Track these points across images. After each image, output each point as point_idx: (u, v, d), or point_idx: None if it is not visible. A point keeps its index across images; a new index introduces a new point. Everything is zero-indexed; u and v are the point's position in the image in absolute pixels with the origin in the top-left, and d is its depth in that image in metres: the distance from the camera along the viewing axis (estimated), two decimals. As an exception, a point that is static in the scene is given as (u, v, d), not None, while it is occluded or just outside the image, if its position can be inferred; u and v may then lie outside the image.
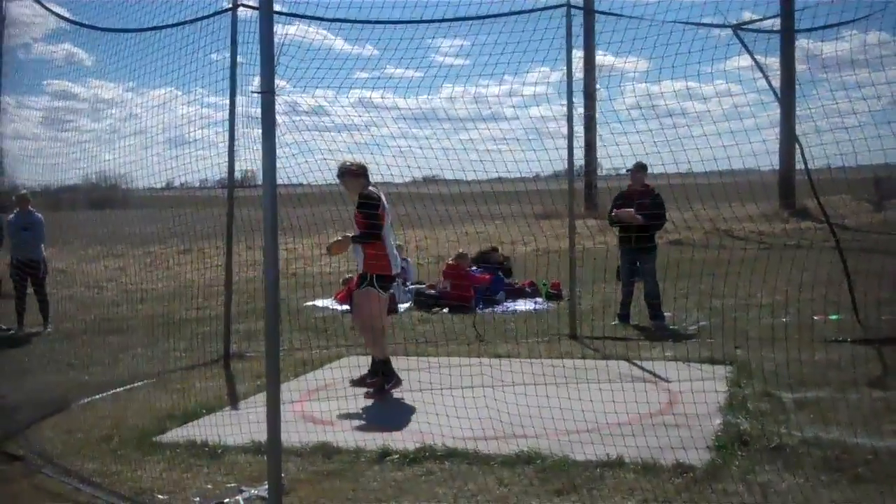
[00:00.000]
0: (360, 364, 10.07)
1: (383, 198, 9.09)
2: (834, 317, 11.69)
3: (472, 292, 15.13)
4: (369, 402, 8.86)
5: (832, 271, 11.05)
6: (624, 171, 12.86)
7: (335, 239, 9.01)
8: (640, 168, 12.69)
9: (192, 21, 10.80)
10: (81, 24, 11.15)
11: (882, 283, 10.98)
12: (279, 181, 8.40)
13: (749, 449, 6.69)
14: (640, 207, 12.43)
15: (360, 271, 9.13)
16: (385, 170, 9.45)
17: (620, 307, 13.02)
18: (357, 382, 9.27)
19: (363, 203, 8.87)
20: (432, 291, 15.61)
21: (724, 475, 6.17)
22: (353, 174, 9.07)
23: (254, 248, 16.29)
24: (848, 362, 9.11)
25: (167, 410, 8.49)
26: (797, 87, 21.40)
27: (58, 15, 11.06)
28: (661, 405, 8.17)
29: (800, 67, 22.05)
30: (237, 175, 11.51)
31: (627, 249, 12.76)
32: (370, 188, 9.06)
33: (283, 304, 13.11)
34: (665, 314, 12.77)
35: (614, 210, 12.79)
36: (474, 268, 16.14)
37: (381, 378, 9.08)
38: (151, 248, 21.60)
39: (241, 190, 11.88)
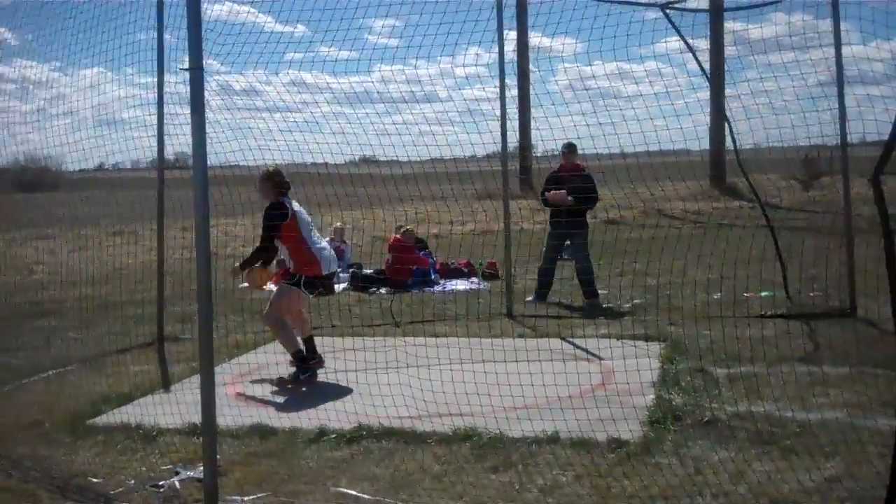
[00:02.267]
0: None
1: (293, 205, 8.95)
2: (764, 293, 11.90)
3: (411, 270, 15.14)
4: (304, 383, 8.83)
5: (763, 249, 11.25)
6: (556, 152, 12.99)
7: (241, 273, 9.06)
8: (571, 149, 12.80)
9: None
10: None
11: (810, 259, 11.21)
12: (214, 163, 8.34)
13: (682, 423, 6.80)
14: (571, 188, 12.52)
15: (291, 270, 9.01)
16: (320, 149, 9.39)
17: (538, 285, 13.10)
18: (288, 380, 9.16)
19: (265, 213, 8.85)
20: (369, 272, 15.58)
21: (657, 449, 6.28)
22: (262, 180, 9.00)
23: (189, 230, 16.12)
24: (778, 338, 9.30)
25: (100, 394, 8.38)
26: (726, 68, 21.60)
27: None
28: (596, 382, 8.26)
29: (728, 49, 22.39)
30: (171, 157, 11.37)
31: (557, 228, 12.85)
32: (281, 199, 8.94)
33: (217, 286, 12.99)
34: (599, 292, 12.90)
35: (546, 192, 12.87)
36: (422, 253, 16.14)
37: (296, 370, 9.00)
38: (83, 231, 21.22)
39: (176, 171, 11.74)
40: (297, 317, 9.13)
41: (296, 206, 9.00)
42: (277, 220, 8.79)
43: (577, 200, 12.50)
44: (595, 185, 12.66)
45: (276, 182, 8.95)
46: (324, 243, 9.26)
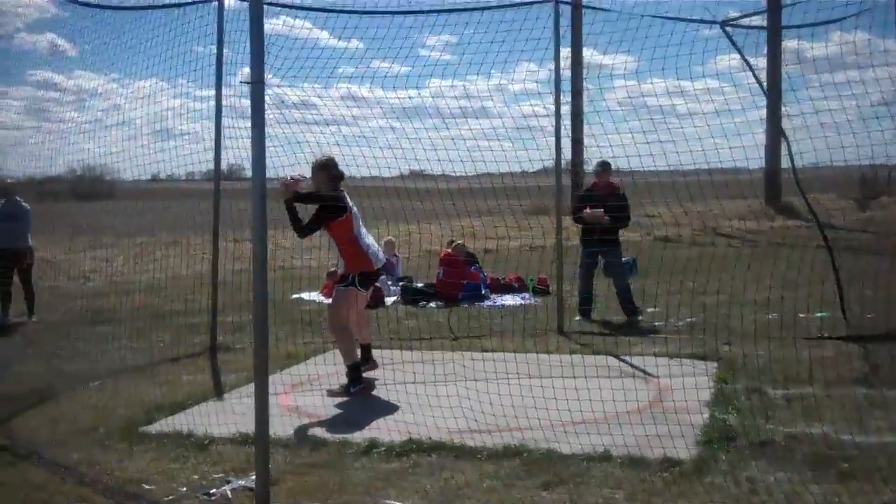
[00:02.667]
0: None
1: (348, 200, 8.91)
2: (820, 314, 11.73)
3: (461, 284, 15.15)
4: (356, 396, 8.84)
5: (818, 269, 11.09)
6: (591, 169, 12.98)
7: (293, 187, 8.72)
8: (605, 167, 12.77)
9: (175, 5, 10.76)
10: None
11: (867, 281, 11.04)
12: (268, 175, 8.40)
13: (735, 444, 6.71)
14: (606, 206, 12.47)
15: (342, 272, 9.03)
16: (373, 163, 9.44)
17: (580, 303, 13.03)
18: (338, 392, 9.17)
19: (324, 202, 8.75)
20: (419, 285, 15.61)
21: (710, 469, 6.19)
22: (316, 169, 8.92)
23: (241, 241, 16.30)
24: (834, 359, 9.16)
25: (154, 401, 8.46)
26: (784, 85, 21.38)
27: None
28: (648, 400, 8.19)
29: (786, 67, 22.12)
30: (224, 169, 11.48)
31: (589, 246, 12.79)
32: (339, 192, 8.89)
33: (270, 296, 13.07)
34: (651, 310, 12.79)
35: (583, 210, 12.80)
36: (473, 267, 16.14)
37: (347, 382, 8.98)
38: (139, 240, 21.54)
39: (228, 182, 11.85)
40: (361, 318, 9.15)
41: (349, 200, 8.99)
42: (335, 214, 8.71)
43: (611, 219, 12.45)
44: (629, 203, 12.59)
45: (331, 172, 8.86)
46: (370, 239, 9.16)
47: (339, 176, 8.94)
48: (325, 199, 8.72)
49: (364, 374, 9.05)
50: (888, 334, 10.54)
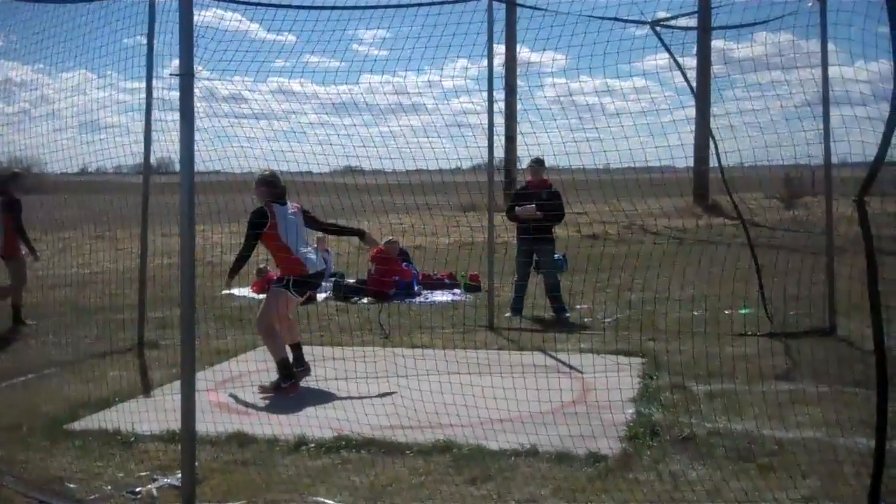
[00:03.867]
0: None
1: (277, 210, 8.95)
2: (744, 311, 11.96)
3: (393, 281, 15.16)
4: (285, 392, 8.80)
5: (743, 267, 11.31)
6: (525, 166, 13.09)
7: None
8: (539, 164, 12.88)
9: (107, -1, 10.59)
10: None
11: (790, 278, 11.27)
12: (197, 169, 8.32)
13: (660, 439, 6.83)
14: (539, 203, 12.57)
15: (277, 276, 9.07)
16: (304, 158, 9.39)
17: (513, 300, 13.13)
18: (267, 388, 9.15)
19: (249, 218, 8.94)
20: (351, 281, 15.58)
21: (635, 464, 6.30)
22: (257, 184, 9.07)
23: (169, 236, 16.11)
24: (757, 355, 9.35)
25: (79, 398, 8.34)
26: (712, 85, 21.72)
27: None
28: (576, 396, 8.28)
29: (715, 67, 22.54)
30: (153, 162, 11.33)
31: (525, 244, 12.88)
32: (268, 203, 8.98)
33: (199, 292, 12.95)
34: (581, 307, 12.92)
35: (515, 207, 12.89)
36: (405, 264, 16.15)
37: (278, 378, 8.97)
38: (64, 234, 21.12)
39: (157, 177, 11.71)
40: (285, 322, 9.13)
41: (290, 210, 9.03)
42: (257, 227, 8.82)
43: (544, 216, 12.55)
44: (562, 201, 12.73)
45: (269, 187, 8.99)
46: (309, 248, 9.26)
47: (279, 189, 9.06)
48: (250, 219, 8.91)
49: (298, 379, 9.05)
50: (809, 330, 10.79)
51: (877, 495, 4.47)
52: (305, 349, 9.59)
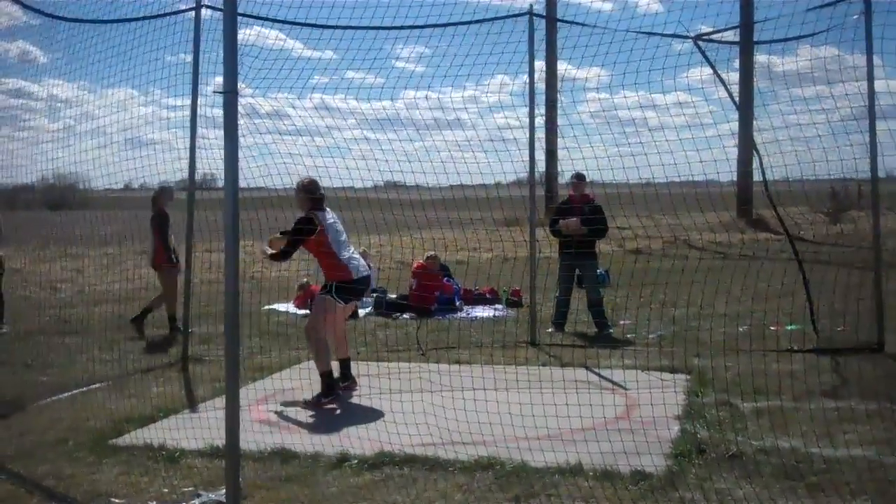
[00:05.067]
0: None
1: (322, 218, 9.02)
2: (790, 327, 11.81)
3: (434, 297, 15.15)
4: (327, 407, 8.81)
5: (788, 282, 11.17)
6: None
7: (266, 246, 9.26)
8: (580, 178, 12.84)
9: (153, 17, 10.74)
10: (39, 12, 11.02)
11: (837, 294, 11.13)
12: (240, 185, 8.38)
13: (706, 457, 6.74)
14: (582, 218, 12.52)
15: (323, 283, 9.14)
16: (346, 174, 9.44)
17: (555, 315, 13.07)
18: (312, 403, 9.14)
19: (294, 224, 9.04)
20: (393, 297, 15.59)
21: (681, 482, 6.22)
22: (297, 190, 9.16)
23: (212, 251, 16.22)
24: (805, 372, 9.22)
25: (124, 413, 8.40)
26: (755, 99, 21.58)
27: (16, 1, 10.87)
28: (620, 413, 8.21)
29: (758, 81, 22.42)
30: (197, 178, 11.43)
31: (568, 258, 12.84)
32: (312, 212, 9.06)
33: (242, 308, 13.03)
34: (624, 322, 12.83)
35: (555, 222, 12.85)
36: (446, 279, 16.16)
37: (320, 392, 8.96)
38: (109, 250, 21.38)
39: (201, 192, 11.79)
40: (335, 335, 9.17)
41: (330, 217, 9.10)
42: (304, 233, 8.92)
43: (588, 231, 12.50)
44: (605, 215, 12.66)
45: (309, 194, 9.06)
46: (355, 254, 9.31)
47: (318, 197, 9.11)
48: (296, 225, 8.99)
49: (343, 394, 9.07)
50: (858, 347, 10.62)
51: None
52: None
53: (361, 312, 15.11)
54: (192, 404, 8.93)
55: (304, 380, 9.48)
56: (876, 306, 10.80)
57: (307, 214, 9.01)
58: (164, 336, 12.84)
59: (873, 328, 10.77)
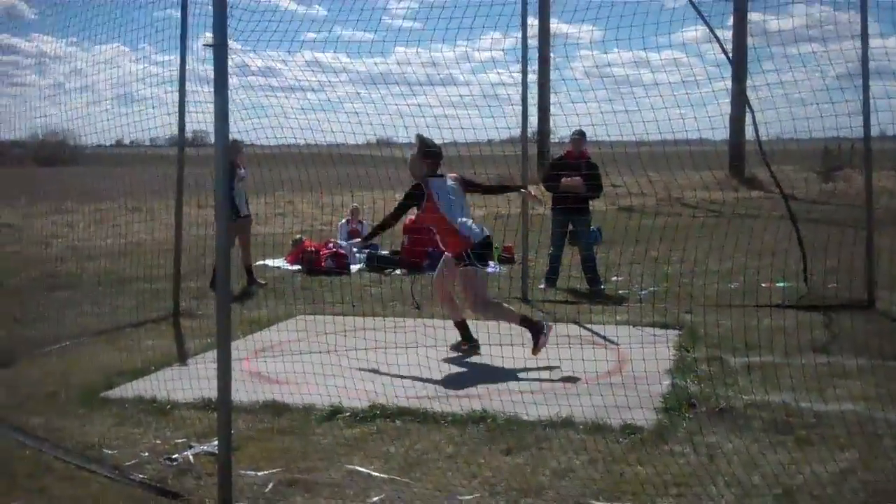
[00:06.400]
0: (309, 323, 10.07)
1: (437, 184, 8.81)
2: (781, 284, 11.85)
3: (426, 252, 15.16)
4: (318, 360, 8.80)
5: (780, 240, 11.19)
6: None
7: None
8: (582, 135, 12.78)
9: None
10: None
11: (829, 252, 11.15)
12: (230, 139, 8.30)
13: (696, 411, 6.78)
14: (580, 175, 12.49)
15: (452, 255, 8.94)
16: (338, 129, 9.37)
17: (548, 271, 13.09)
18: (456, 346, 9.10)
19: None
20: (385, 253, 15.59)
21: (670, 436, 6.26)
22: (420, 156, 8.93)
23: (204, 207, 16.17)
24: (795, 328, 9.25)
25: (115, 367, 8.41)
26: (749, 57, 21.47)
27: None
28: (611, 367, 8.24)
29: (751, 40, 22.34)
30: (188, 134, 11.38)
31: (561, 215, 12.83)
32: (424, 178, 8.85)
33: (233, 263, 13.02)
34: (616, 279, 12.85)
35: (557, 179, 12.80)
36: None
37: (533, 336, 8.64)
38: (101, 206, 21.31)
39: (192, 149, 11.74)
40: (448, 298, 9.14)
41: (448, 181, 8.91)
42: (412, 199, 8.76)
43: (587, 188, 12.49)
44: (600, 173, 12.64)
45: (421, 152, 8.87)
46: (468, 219, 8.94)
47: (431, 155, 8.91)
48: (406, 195, 8.82)
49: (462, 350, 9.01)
50: (848, 304, 10.67)
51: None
52: (338, 320, 9.60)
53: (354, 268, 15.13)
54: (183, 358, 8.94)
55: (294, 334, 9.49)
56: (867, 263, 10.84)
57: (418, 182, 8.77)
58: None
59: (864, 285, 10.82)
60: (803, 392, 7.11)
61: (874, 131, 10.70)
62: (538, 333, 8.54)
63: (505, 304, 8.98)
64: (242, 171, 13.46)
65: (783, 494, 5.17)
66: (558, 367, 8.11)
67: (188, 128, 11.19)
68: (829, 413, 6.60)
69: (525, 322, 8.68)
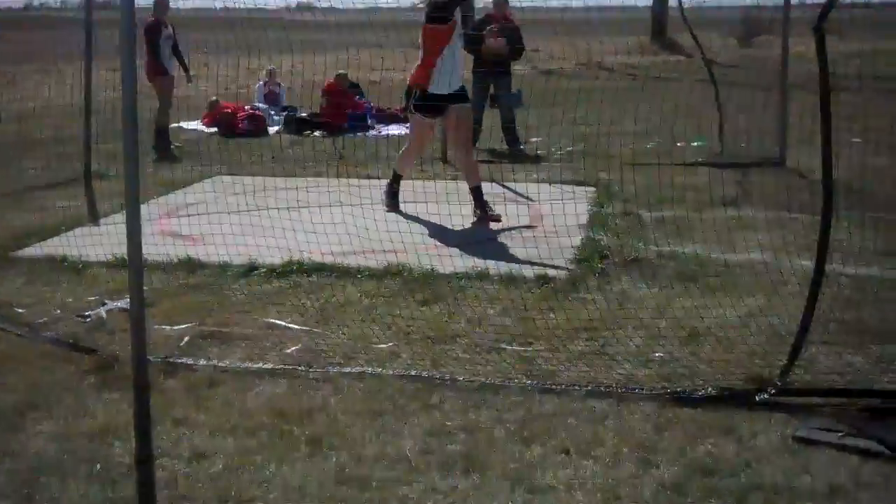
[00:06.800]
0: (226, 184, 9.95)
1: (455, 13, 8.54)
2: (696, 143, 11.99)
3: (346, 114, 15.02)
4: (236, 220, 8.68)
5: (696, 101, 11.28)
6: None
7: None
8: None
9: None
10: None
11: (744, 112, 11.30)
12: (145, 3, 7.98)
13: (608, 261, 6.91)
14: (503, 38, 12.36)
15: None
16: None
17: None
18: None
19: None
20: (304, 115, 15.38)
21: (582, 285, 6.39)
22: None
23: (117, 70, 15.70)
24: (707, 185, 9.39)
25: (24, 228, 8.25)
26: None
27: None
28: (527, 223, 8.31)
29: None
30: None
31: (482, 77, 12.75)
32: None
33: (144, 125, 12.72)
34: (534, 140, 12.88)
35: (480, 40, 12.63)
36: (358, 97, 15.96)
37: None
38: (8, 69, 20.55)
39: (105, 12, 11.35)
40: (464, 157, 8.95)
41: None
42: (432, 20, 8.46)
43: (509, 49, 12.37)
44: (521, 35, 12.52)
45: None
46: (452, 64, 8.65)
47: None
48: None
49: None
50: (760, 162, 10.88)
51: (812, 307, 4.58)
52: (257, 181, 9.49)
53: (272, 130, 14.94)
54: (95, 218, 8.78)
55: (210, 194, 9.37)
56: (780, 123, 11.02)
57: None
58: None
59: (776, 144, 11.03)
60: (713, 244, 7.27)
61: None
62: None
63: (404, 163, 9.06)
64: (169, 29, 13.06)
65: (688, 337, 5.34)
66: (476, 223, 8.17)
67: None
68: (736, 262, 6.79)
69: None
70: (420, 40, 8.69)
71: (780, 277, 6.16)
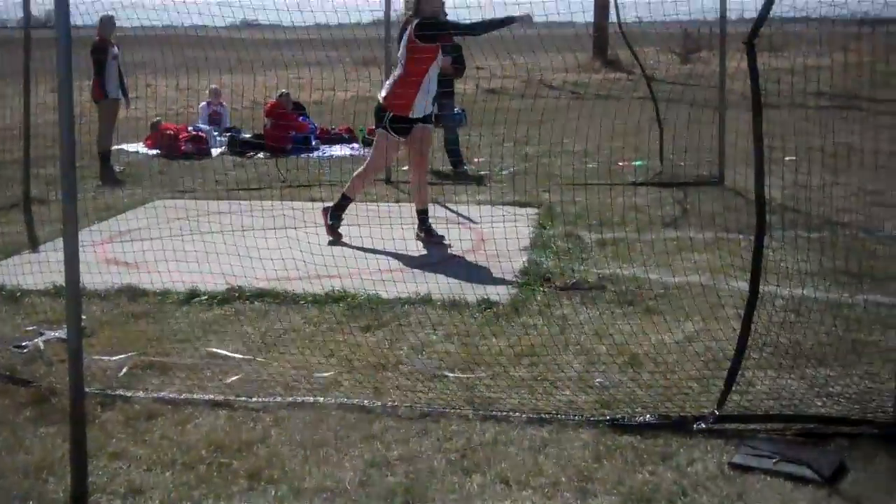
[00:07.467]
0: (168, 208, 9.86)
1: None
2: (638, 163, 12.13)
3: (290, 135, 14.95)
4: (179, 245, 8.63)
5: (637, 120, 11.39)
6: None
7: None
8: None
9: None
10: None
11: (684, 131, 11.44)
12: (85, 23, 7.92)
13: (550, 285, 6.96)
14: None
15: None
16: (205, 10, 9.02)
17: None
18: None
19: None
20: (247, 136, 15.31)
21: (524, 310, 6.44)
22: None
23: (57, 92, 15.50)
24: (647, 206, 9.52)
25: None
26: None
27: None
28: (469, 246, 8.36)
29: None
30: (41, 16, 10.86)
31: None
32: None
33: (86, 147, 12.58)
34: (478, 160, 12.94)
35: None
36: (301, 118, 15.92)
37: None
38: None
39: (46, 31, 11.20)
40: (418, 177, 8.86)
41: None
42: (423, 41, 8.33)
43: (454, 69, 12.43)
44: (463, 55, 12.59)
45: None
46: (431, 92, 8.64)
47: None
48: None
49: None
50: (700, 181, 11.04)
51: (747, 332, 4.65)
52: (200, 204, 9.42)
53: (215, 152, 14.84)
54: (34, 244, 8.67)
55: (153, 220, 9.29)
56: (719, 142, 11.20)
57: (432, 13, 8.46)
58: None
59: (715, 163, 11.20)
60: (653, 265, 7.37)
61: (731, 14, 10.96)
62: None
63: (359, 186, 8.97)
64: (115, 48, 12.87)
65: (628, 362, 5.40)
66: (419, 248, 8.20)
67: (40, 9, 10.67)
68: (676, 284, 6.87)
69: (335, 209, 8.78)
70: (402, 58, 8.54)
71: (718, 300, 6.25)
